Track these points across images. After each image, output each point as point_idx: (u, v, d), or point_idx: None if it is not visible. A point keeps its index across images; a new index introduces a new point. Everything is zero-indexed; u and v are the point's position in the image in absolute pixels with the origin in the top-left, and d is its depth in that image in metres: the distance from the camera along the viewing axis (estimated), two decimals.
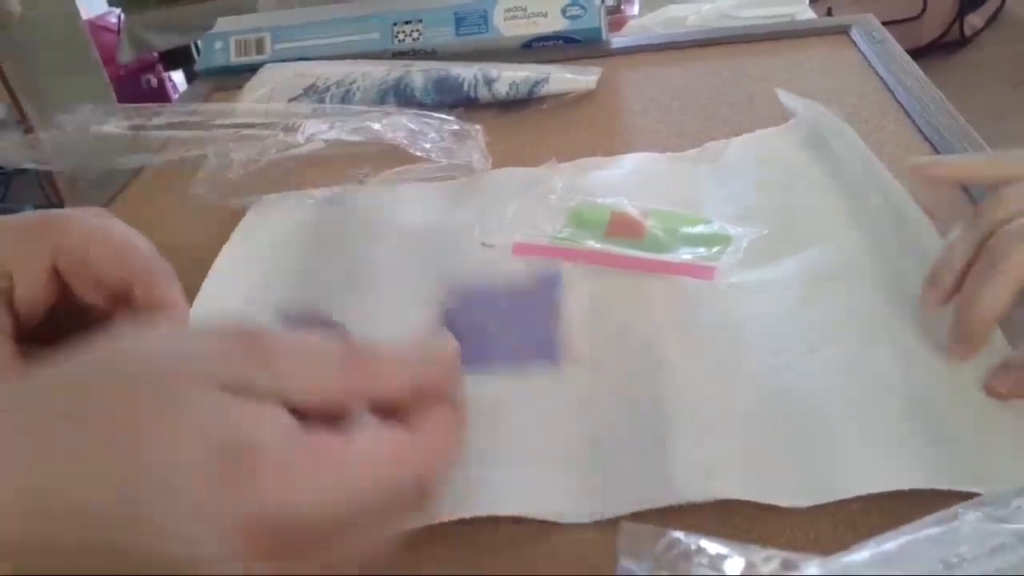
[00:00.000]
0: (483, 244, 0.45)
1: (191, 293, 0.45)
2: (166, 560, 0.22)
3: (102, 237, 0.33)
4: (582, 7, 0.72)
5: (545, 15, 0.72)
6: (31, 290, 0.32)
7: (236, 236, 0.51)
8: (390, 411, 0.25)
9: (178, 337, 0.25)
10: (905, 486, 0.30)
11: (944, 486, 0.30)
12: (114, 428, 0.22)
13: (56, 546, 0.22)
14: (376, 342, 0.26)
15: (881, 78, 0.60)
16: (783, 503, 0.31)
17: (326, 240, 0.49)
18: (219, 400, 0.22)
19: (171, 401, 0.22)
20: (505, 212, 0.48)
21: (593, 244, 0.45)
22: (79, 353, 0.24)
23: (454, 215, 0.50)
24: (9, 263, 0.32)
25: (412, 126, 0.58)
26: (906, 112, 0.55)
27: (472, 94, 0.64)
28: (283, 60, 0.73)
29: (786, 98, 0.53)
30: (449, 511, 0.32)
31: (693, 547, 0.24)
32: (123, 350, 0.24)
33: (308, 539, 0.23)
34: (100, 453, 0.22)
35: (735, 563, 0.23)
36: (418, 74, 0.65)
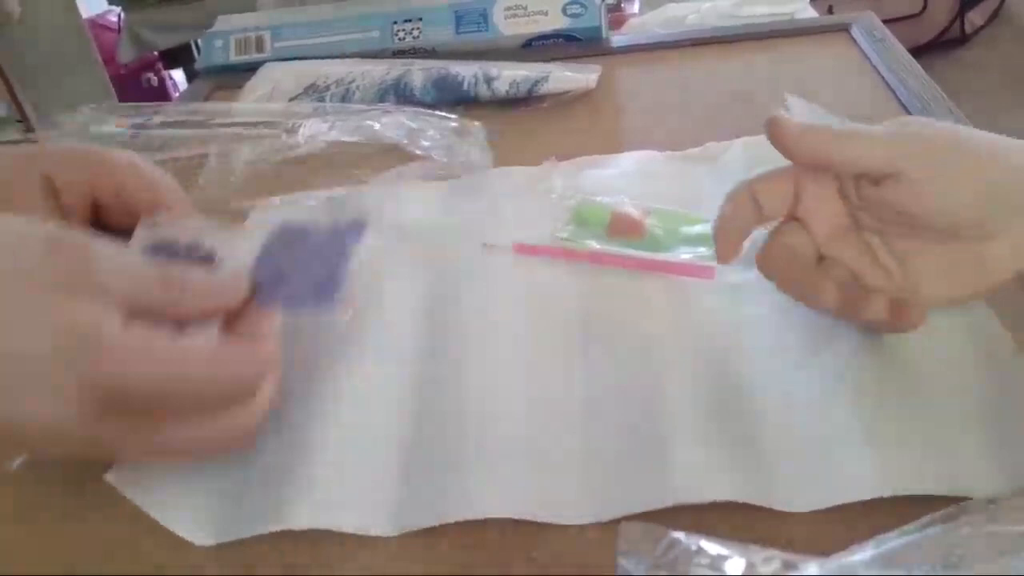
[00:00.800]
0: (484, 245, 0.45)
1: None
2: (16, 427, 0.27)
3: (134, 169, 0.39)
4: (582, 5, 0.71)
5: (545, 13, 0.72)
6: (74, 208, 0.38)
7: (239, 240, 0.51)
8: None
9: (9, 243, 0.28)
10: (906, 492, 0.30)
11: (943, 492, 0.30)
12: None
13: None
14: (185, 272, 0.31)
15: (882, 76, 0.60)
16: (782, 508, 0.31)
17: None
18: (55, 298, 0.27)
19: (12, 299, 0.27)
20: (505, 212, 0.48)
21: (594, 244, 0.45)
22: None
23: (454, 216, 0.49)
24: (57, 182, 0.37)
25: (412, 124, 0.58)
26: (907, 110, 0.55)
27: (472, 93, 0.64)
28: (283, 59, 0.73)
29: (794, 103, 0.53)
30: (449, 513, 0.32)
31: (693, 548, 0.24)
32: None
33: (138, 407, 0.28)
34: None
35: (735, 563, 0.23)
36: (418, 73, 0.65)
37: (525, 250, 0.45)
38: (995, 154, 0.33)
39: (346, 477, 0.34)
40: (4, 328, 0.26)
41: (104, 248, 0.29)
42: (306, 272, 0.35)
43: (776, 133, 0.35)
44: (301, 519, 0.33)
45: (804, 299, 0.36)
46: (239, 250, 0.36)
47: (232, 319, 0.33)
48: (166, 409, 0.29)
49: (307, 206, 0.53)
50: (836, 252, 0.36)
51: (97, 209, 0.40)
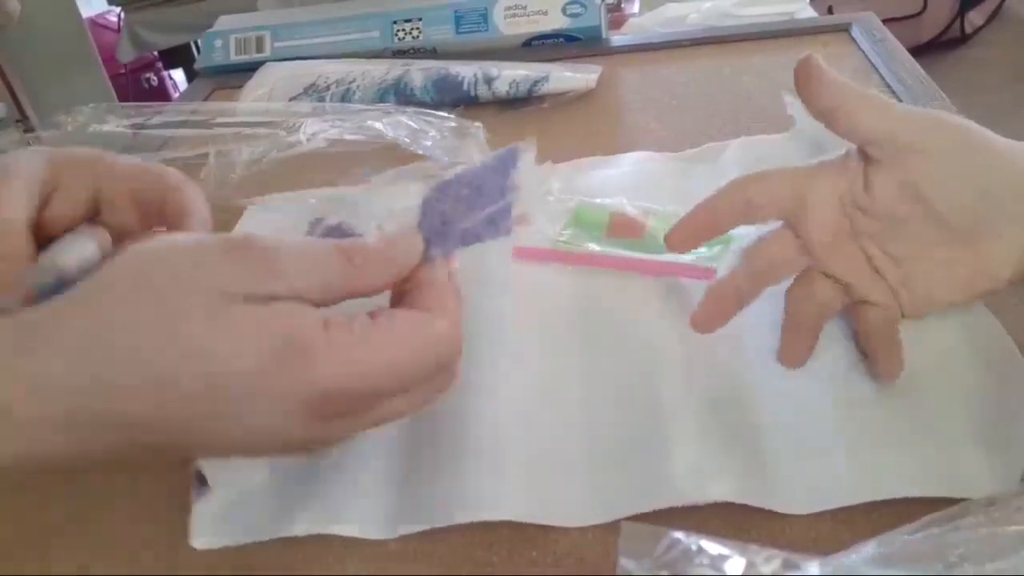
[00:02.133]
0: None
1: None
2: (239, 442, 0.27)
3: (143, 165, 0.37)
4: (582, 5, 0.71)
5: (545, 13, 0.72)
6: (71, 206, 0.35)
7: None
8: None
9: (189, 260, 0.26)
10: (906, 494, 0.30)
11: (943, 493, 0.30)
12: (164, 345, 0.25)
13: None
14: (357, 242, 0.29)
15: (882, 76, 0.60)
16: (782, 509, 0.31)
17: None
18: (248, 307, 0.25)
19: (205, 318, 0.25)
20: None
21: (594, 246, 0.45)
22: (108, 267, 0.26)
23: None
24: (59, 176, 0.34)
25: (413, 124, 0.58)
26: None
27: (472, 93, 0.64)
28: (283, 59, 0.73)
29: (793, 104, 0.53)
30: (448, 517, 0.32)
31: (694, 547, 0.23)
32: (146, 266, 0.26)
33: (355, 405, 0.27)
34: (158, 371, 0.25)
35: (736, 563, 0.23)
36: (418, 73, 0.65)
37: (525, 254, 0.45)
38: (1003, 154, 0.33)
39: (345, 481, 0.34)
40: (204, 351, 0.25)
41: (275, 239, 0.27)
42: (472, 211, 0.33)
43: (805, 73, 0.34)
44: (301, 526, 0.33)
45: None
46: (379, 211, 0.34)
47: (403, 286, 0.30)
48: (379, 397, 0.28)
49: (307, 204, 0.53)
50: (826, 261, 0.35)
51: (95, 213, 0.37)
